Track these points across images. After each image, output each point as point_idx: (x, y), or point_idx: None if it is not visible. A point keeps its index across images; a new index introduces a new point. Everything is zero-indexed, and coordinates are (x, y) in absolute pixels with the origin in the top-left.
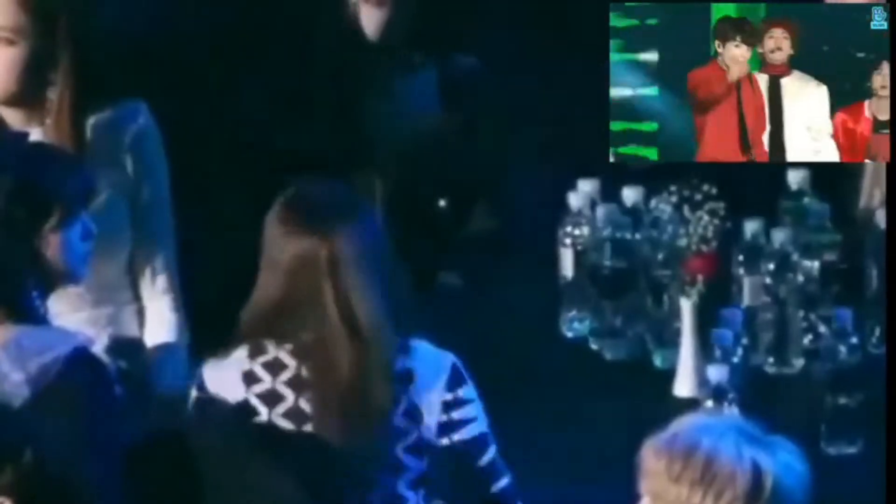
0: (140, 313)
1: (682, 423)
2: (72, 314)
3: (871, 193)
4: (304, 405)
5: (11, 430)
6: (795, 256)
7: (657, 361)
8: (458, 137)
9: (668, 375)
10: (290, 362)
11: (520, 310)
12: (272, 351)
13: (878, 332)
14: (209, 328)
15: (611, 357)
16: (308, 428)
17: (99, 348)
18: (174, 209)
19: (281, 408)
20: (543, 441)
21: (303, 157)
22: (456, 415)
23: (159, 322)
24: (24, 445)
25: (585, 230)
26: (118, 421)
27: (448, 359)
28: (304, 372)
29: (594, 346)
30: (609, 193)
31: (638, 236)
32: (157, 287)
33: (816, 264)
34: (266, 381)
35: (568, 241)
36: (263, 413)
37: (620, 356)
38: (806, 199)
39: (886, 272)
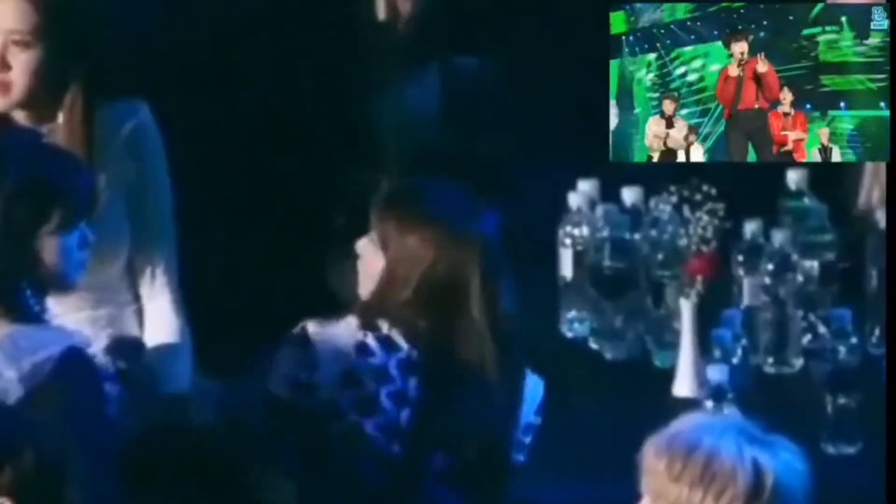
0: (140, 314)
1: (683, 423)
2: (71, 314)
3: (871, 193)
4: (412, 390)
5: (6, 428)
6: (795, 256)
7: (657, 361)
8: (459, 137)
9: (668, 375)
10: (403, 345)
11: (520, 310)
12: (384, 329)
13: (877, 332)
14: (209, 328)
15: (611, 357)
16: (406, 413)
17: (98, 349)
18: (174, 209)
19: (389, 387)
20: (543, 441)
21: (305, 156)
22: (528, 440)
23: (159, 323)
24: (18, 444)
25: (585, 230)
26: (109, 420)
27: (542, 384)
28: (417, 356)
29: (594, 346)
30: (609, 193)
31: (637, 236)
32: (157, 287)
33: (816, 264)
34: (378, 357)
35: (568, 241)
36: (370, 387)
37: (620, 356)
38: (805, 199)
39: (886, 272)
